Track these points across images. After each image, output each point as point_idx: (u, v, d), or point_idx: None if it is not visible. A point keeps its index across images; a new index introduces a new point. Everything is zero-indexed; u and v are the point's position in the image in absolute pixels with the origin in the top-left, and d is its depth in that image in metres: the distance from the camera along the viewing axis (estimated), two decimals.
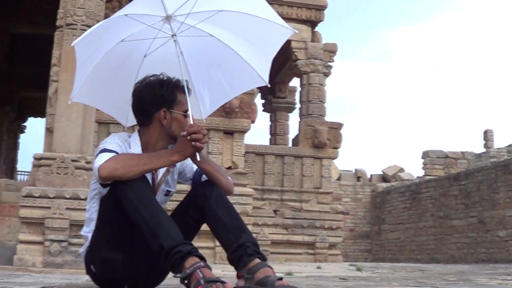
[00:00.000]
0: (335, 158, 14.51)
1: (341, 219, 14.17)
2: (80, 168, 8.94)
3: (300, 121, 14.72)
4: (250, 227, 11.16)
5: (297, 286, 2.74)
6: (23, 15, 15.57)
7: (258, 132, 41.38)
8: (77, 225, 8.50)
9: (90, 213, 3.30)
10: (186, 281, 2.73)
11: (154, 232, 2.87)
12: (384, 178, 25.06)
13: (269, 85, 3.66)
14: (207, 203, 3.13)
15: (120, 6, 10.53)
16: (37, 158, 9.07)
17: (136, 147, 3.27)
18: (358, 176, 24.82)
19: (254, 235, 11.28)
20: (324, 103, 14.73)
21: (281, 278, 2.76)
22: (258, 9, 3.38)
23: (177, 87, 3.28)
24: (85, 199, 8.40)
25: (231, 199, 3.27)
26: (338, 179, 23.81)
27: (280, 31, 3.47)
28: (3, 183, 10.39)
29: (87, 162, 9.00)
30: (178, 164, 3.34)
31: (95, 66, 3.34)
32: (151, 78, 3.32)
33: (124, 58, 3.45)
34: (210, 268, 2.76)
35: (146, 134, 3.31)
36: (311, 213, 13.73)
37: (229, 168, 11.39)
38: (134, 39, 3.38)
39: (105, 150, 3.10)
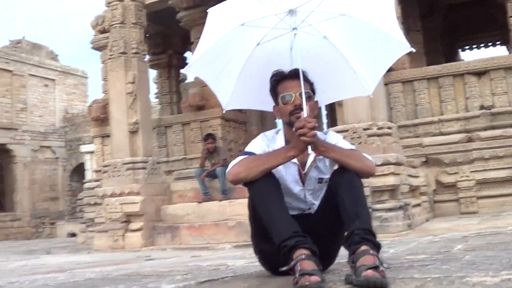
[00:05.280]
0: None
1: None
2: (372, 136, 9.12)
3: None
4: None
5: (382, 280, 2.58)
6: None
7: None
8: (378, 191, 8.75)
9: None
10: (291, 273, 2.86)
11: (269, 228, 3.08)
12: None
13: (371, 96, 3.61)
14: (337, 189, 3.20)
15: None
16: None
17: (280, 142, 3.44)
18: None
19: None
20: None
21: (375, 267, 2.68)
22: (382, 20, 3.35)
23: (273, 77, 3.47)
24: (381, 165, 8.64)
25: None
26: None
27: (397, 47, 3.44)
28: None
29: (379, 128, 9.14)
30: None
31: (241, 74, 3.57)
32: None
33: (268, 58, 3.56)
34: (312, 259, 2.83)
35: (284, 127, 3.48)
36: None
37: None
38: (270, 38, 3.49)
39: (244, 153, 3.36)
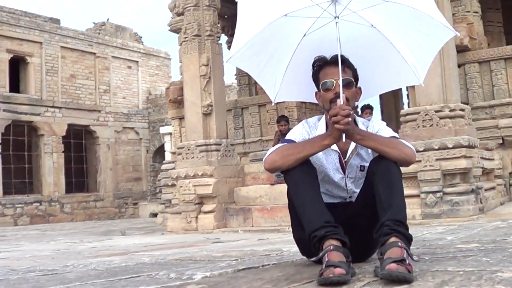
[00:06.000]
0: None
1: None
2: (444, 118, 8.90)
3: None
4: None
5: (405, 274, 2.53)
6: None
7: None
8: (449, 174, 8.58)
9: None
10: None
11: (301, 217, 3.09)
12: None
13: (423, 85, 3.48)
14: (374, 178, 3.14)
15: None
16: (403, 115, 9.33)
17: (321, 129, 3.41)
18: None
19: None
20: None
21: (400, 260, 2.63)
22: (424, 5, 3.25)
23: (316, 64, 3.42)
24: (453, 148, 8.45)
25: None
26: None
27: (442, 32, 3.35)
28: None
29: (451, 110, 8.92)
30: None
31: (289, 66, 3.54)
32: None
33: (317, 48, 3.51)
34: (340, 251, 2.81)
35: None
36: None
37: None
38: (316, 28, 3.45)
39: (283, 141, 3.36)
